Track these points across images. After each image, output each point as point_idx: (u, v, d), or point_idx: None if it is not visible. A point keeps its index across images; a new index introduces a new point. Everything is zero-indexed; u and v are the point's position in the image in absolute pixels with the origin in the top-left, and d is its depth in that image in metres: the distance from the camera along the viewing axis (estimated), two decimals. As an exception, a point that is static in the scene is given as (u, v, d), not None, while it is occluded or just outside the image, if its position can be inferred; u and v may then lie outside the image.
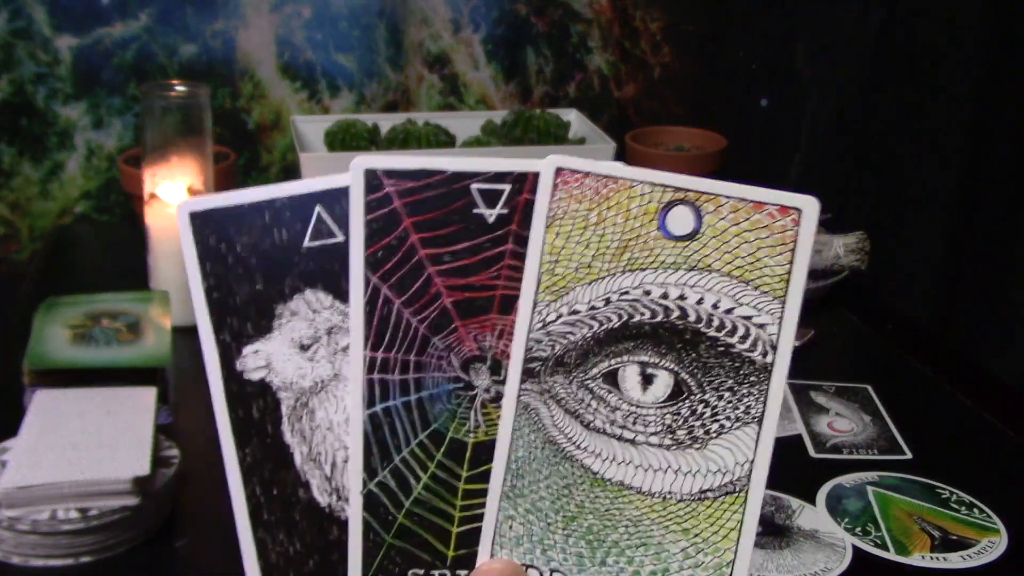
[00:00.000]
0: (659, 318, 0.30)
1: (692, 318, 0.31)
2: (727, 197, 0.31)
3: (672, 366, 0.31)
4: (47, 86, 1.44)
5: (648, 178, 0.31)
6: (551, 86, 1.64)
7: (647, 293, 0.30)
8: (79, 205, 1.50)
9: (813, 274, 1.25)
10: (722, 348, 0.31)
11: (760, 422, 0.32)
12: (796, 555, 0.80)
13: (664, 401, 0.31)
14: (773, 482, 0.91)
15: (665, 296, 0.30)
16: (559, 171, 0.30)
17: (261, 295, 0.32)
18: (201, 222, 0.34)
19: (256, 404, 0.32)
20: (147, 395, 0.89)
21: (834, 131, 1.75)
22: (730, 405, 0.31)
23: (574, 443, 0.31)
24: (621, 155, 1.45)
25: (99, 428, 0.83)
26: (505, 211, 0.31)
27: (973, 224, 1.83)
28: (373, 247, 0.31)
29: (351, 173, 0.32)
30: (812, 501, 0.87)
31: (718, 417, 0.31)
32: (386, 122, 1.42)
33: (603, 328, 0.31)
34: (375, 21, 1.54)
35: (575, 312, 0.31)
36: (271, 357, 0.32)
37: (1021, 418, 1.02)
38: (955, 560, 0.82)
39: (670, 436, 0.31)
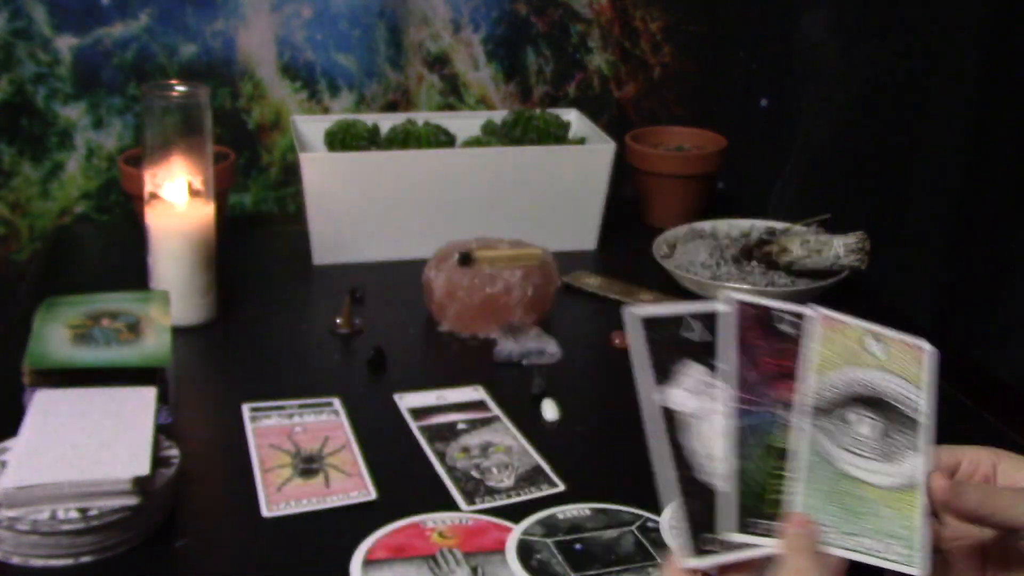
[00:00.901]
0: (869, 393, 0.57)
1: (886, 396, 0.57)
2: (895, 339, 0.58)
3: (878, 419, 0.57)
4: (47, 86, 1.44)
5: (858, 323, 0.58)
6: (551, 86, 1.64)
7: (862, 380, 0.57)
8: (79, 205, 1.50)
9: (813, 274, 1.25)
10: (900, 409, 0.58)
11: (921, 449, 0.57)
12: (796, 555, 0.80)
13: (876, 437, 0.57)
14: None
15: (871, 383, 0.57)
16: (823, 317, 0.57)
17: (677, 362, 0.57)
18: (647, 323, 0.57)
19: (672, 423, 0.57)
20: (147, 395, 0.89)
21: (834, 131, 1.75)
22: (906, 439, 0.57)
23: (831, 455, 0.56)
24: (621, 155, 1.45)
25: (99, 428, 0.83)
26: (795, 330, 0.59)
27: (973, 224, 1.83)
28: (738, 334, 0.57)
29: (726, 304, 0.58)
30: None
31: (902, 448, 0.57)
32: (386, 122, 1.42)
33: (841, 394, 0.57)
34: (375, 21, 1.54)
35: (827, 384, 0.57)
36: (680, 397, 0.57)
37: (1021, 418, 1.02)
38: (955, 560, 0.82)
39: (880, 454, 0.57)
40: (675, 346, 0.57)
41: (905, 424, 0.57)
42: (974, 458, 0.62)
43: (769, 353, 0.58)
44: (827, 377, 0.57)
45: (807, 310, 0.58)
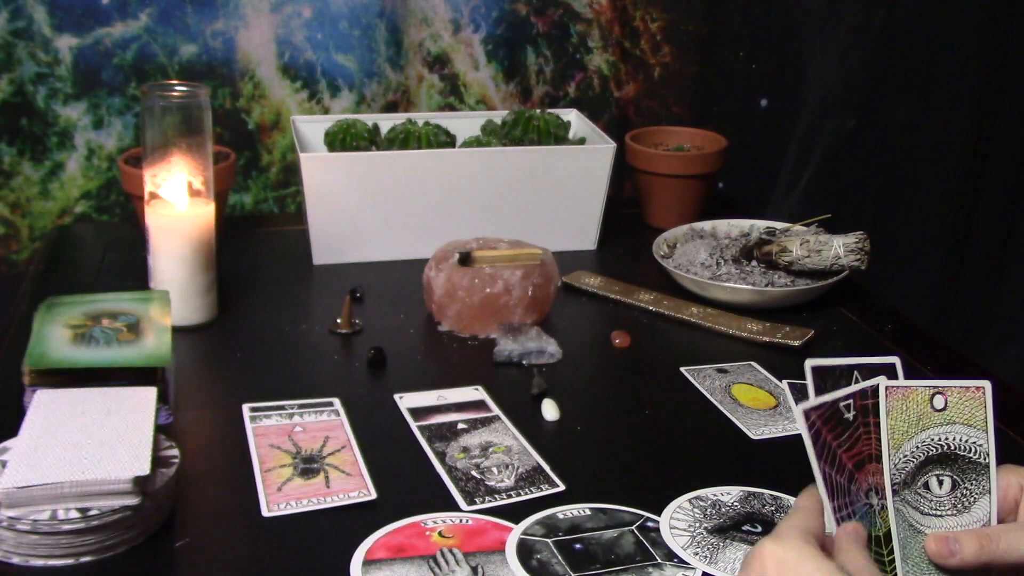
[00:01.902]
0: (939, 451, 0.61)
1: (954, 448, 0.61)
2: (957, 386, 0.60)
3: (950, 474, 0.61)
4: (47, 86, 1.44)
5: (923, 384, 0.61)
6: (551, 86, 1.64)
7: (933, 439, 0.61)
8: (79, 205, 1.50)
9: (813, 274, 1.25)
10: (968, 460, 0.61)
11: (990, 492, 0.61)
12: (796, 555, 0.80)
13: (950, 492, 0.61)
14: (773, 482, 0.91)
15: (939, 440, 0.61)
16: (887, 388, 0.60)
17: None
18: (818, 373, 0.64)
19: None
20: (147, 395, 0.89)
21: (834, 131, 1.75)
22: (976, 487, 0.61)
23: (919, 523, 0.61)
24: (621, 155, 1.45)
25: (99, 428, 0.83)
26: (855, 410, 0.61)
27: (973, 224, 1.83)
28: (816, 445, 0.61)
29: (798, 416, 0.60)
30: (812, 501, 0.87)
31: (972, 495, 0.61)
32: (386, 122, 1.42)
33: (917, 461, 0.61)
34: (375, 21, 1.54)
35: (904, 456, 0.61)
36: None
37: (1021, 418, 1.02)
38: (955, 560, 0.82)
39: (955, 509, 0.61)
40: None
41: (974, 470, 0.61)
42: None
43: (845, 447, 0.61)
44: (902, 450, 0.61)
45: (868, 383, 0.62)
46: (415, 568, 0.77)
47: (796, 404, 0.61)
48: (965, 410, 0.61)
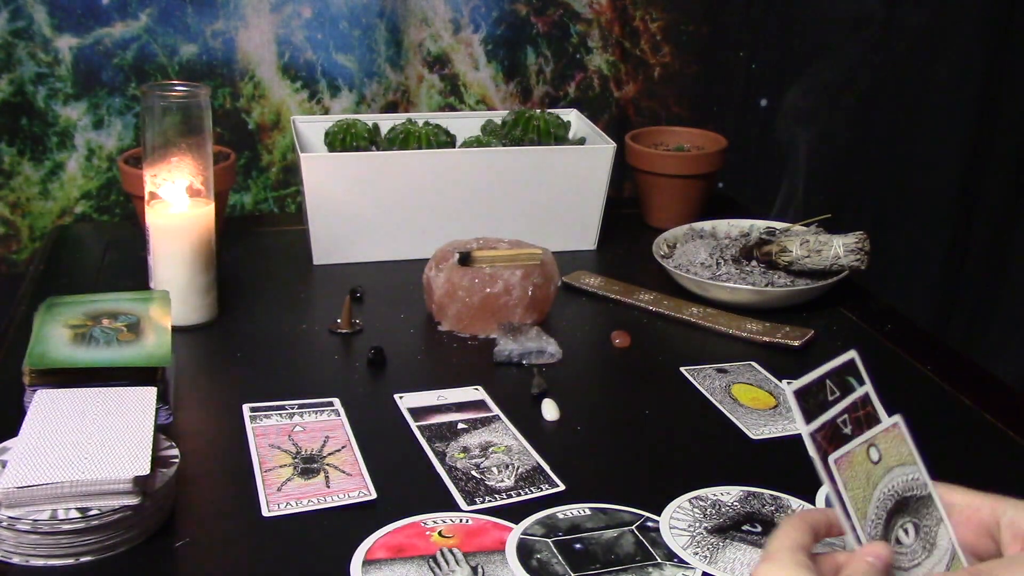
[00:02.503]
0: (893, 502, 0.60)
1: (901, 492, 0.61)
2: (879, 432, 0.61)
3: (910, 519, 0.61)
4: (47, 86, 1.44)
5: (857, 442, 0.60)
6: (551, 86, 1.64)
7: (884, 492, 0.60)
8: (79, 205, 1.50)
9: (813, 274, 1.25)
10: (917, 497, 0.61)
11: (943, 520, 0.61)
12: (796, 555, 0.80)
13: (916, 537, 0.60)
14: (773, 482, 0.91)
15: (888, 491, 0.60)
16: (837, 460, 0.59)
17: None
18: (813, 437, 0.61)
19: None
20: (147, 395, 0.89)
21: (834, 131, 1.75)
22: (932, 520, 0.61)
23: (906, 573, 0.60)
24: (621, 155, 1.45)
25: (99, 428, 0.83)
26: (854, 424, 0.61)
27: (972, 224, 1.83)
28: (825, 467, 0.59)
29: (807, 441, 0.60)
30: (812, 501, 0.87)
31: (932, 529, 0.61)
32: (386, 122, 1.42)
33: (882, 520, 0.60)
34: (375, 21, 1.54)
35: (871, 520, 0.59)
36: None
37: (1021, 418, 1.02)
38: (955, 560, 0.82)
39: (925, 550, 0.61)
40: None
41: (924, 505, 0.61)
42: (970, 508, 0.62)
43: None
44: (868, 515, 0.59)
45: (857, 395, 0.62)
46: (415, 568, 0.77)
47: (804, 425, 0.60)
48: (893, 451, 0.61)
